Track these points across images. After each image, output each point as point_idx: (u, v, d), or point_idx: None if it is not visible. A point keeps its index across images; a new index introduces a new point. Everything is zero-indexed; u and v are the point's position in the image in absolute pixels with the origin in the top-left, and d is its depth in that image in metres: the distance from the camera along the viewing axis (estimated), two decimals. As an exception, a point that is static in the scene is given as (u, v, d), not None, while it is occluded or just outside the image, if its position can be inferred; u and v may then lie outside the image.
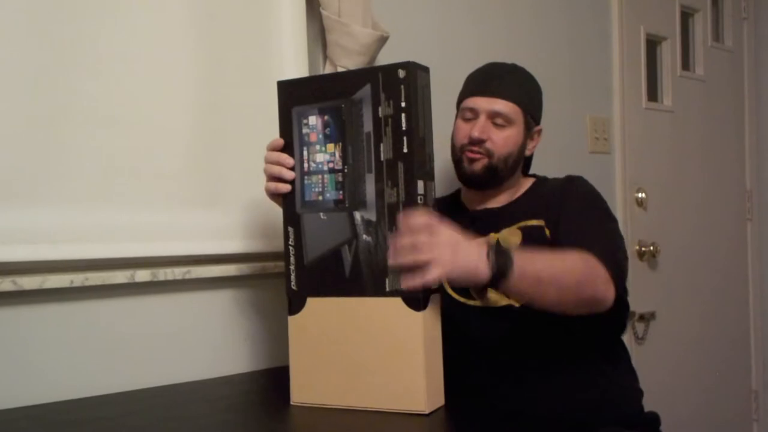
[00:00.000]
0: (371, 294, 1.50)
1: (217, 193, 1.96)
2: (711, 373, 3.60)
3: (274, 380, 1.90)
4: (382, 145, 1.50)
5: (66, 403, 1.65)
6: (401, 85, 1.48)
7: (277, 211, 2.02)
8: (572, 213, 1.81)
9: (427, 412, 1.44)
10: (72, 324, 1.74)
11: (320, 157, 1.57)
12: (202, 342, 1.93)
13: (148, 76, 1.85)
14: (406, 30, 2.37)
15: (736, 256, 3.85)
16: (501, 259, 1.45)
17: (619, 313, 1.76)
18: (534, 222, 1.84)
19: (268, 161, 1.63)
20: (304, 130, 1.59)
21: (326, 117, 1.56)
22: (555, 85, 2.84)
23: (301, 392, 1.59)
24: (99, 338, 1.77)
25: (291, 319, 1.60)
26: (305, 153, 1.59)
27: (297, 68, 2.07)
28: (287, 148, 1.61)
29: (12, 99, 1.66)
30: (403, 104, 1.48)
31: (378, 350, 1.49)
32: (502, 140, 1.88)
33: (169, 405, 1.64)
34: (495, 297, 1.80)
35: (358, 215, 1.52)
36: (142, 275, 1.81)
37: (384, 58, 2.21)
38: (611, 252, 1.70)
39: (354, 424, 1.46)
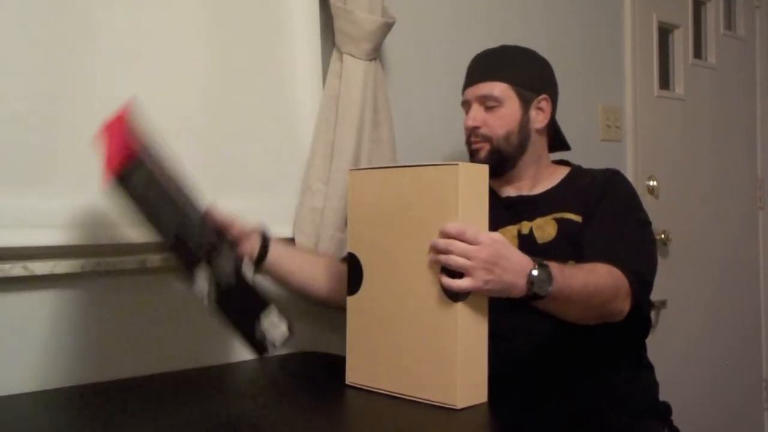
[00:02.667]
0: None
1: (228, 182, 1.96)
2: (722, 361, 3.59)
3: (285, 367, 1.90)
4: None
5: (78, 387, 1.66)
6: None
7: (285, 199, 2.03)
8: (607, 215, 1.79)
9: (459, 407, 1.42)
10: (83, 309, 1.74)
11: None
12: (211, 328, 1.92)
13: (158, 64, 1.85)
14: (418, 16, 2.36)
15: (747, 245, 3.84)
16: (542, 280, 1.45)
17: (641, 323, 1.76)
18: (572, 216, 1.82)
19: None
20: None
21: None
22: (567, 73, 2.82)
23: (355, 373, 1.60)
24: (111, 323, 1.77)
25: (349, 299, 1.61)
26: None
27: (310, 56, 2.07)
28: None
29: (22, 84, 1.65)
30: None
31: (420, 339, 1.47)
32: (497, 120, 1.87)
33: (182, 390, 1.65)
34: None
35: None
36: (154, 260, 1.81)
37: (395, 44, 2.21)
38: (639, 264, 1.70)
39: (386, 411, 1.46)
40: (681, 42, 3.44)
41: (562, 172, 1.96)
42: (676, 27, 3.42)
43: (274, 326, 1.57)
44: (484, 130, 1.87)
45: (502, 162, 1.88)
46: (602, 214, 1.80)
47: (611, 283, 1.61)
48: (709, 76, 3.58)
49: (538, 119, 1.92)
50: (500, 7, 2.64)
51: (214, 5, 1.94)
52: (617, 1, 3.13)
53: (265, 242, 1.80)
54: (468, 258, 1.38)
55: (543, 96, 1.93)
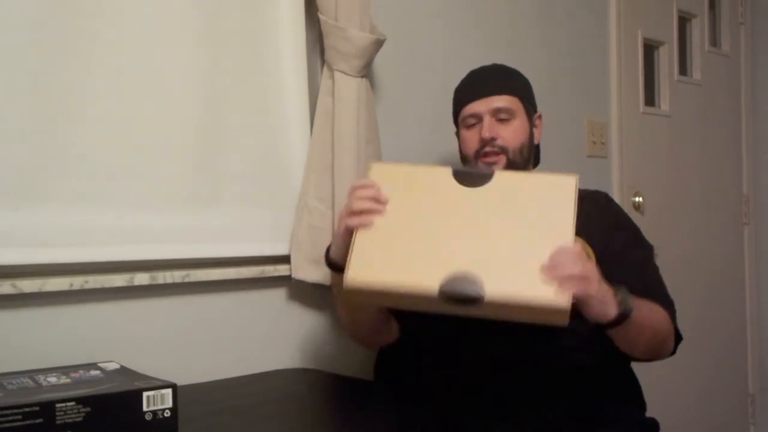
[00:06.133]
0: None
1: (216, 197, 1.96)
2: (708, 376, 3.60)
3: (273, 383, 1.90)
4: None
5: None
6: None
7: (275, 215, 2.03)
8: (621, 250, 1.82)
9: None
10: (71, 327, 1.73)
11: None
12: (201, 345, 1.93)
13: (149, 80, 1.85)
14: (406, 33, 2.37)
15: (732, 260, 3.86)
16: (625, 302, 1.50)
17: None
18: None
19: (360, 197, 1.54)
20: None
21: None
22: (553, 88, 2.84)
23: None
24: (98, 341, 1.77)
25: None
26: None
27: (297, 72, 2.07)
28: None
29: (11, 99, 1.65)
30: None
31: None
32: (512, 133, 1.87)
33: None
34: None
35: None
36: (141, 278, 1.80)
37: (383, 62, 2.22)
38: (671, 301, 1.78)
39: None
40: (666, 58, 3.46)
41: None
42: (662, 44, 3.45)
43: None
44: (500, 142, 1.86)
45: None
46: (616, 250, 1.80)
47: (666, 322, 1.71)
48: (694, 93, 3.61)
49: (536, 134, 1.96)
50: (488, 24, 2.65)
51: (201, 22, 1.94)
52: (603, 18, 3.16)
53: None
54: (585, 268, 1.42)
55: (538, 113, 1.97)
